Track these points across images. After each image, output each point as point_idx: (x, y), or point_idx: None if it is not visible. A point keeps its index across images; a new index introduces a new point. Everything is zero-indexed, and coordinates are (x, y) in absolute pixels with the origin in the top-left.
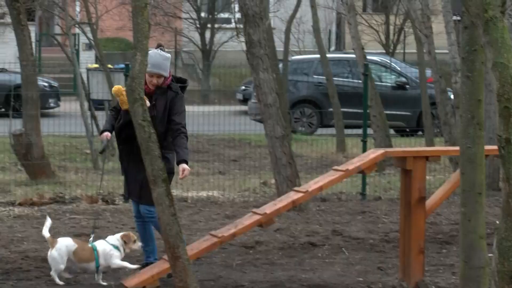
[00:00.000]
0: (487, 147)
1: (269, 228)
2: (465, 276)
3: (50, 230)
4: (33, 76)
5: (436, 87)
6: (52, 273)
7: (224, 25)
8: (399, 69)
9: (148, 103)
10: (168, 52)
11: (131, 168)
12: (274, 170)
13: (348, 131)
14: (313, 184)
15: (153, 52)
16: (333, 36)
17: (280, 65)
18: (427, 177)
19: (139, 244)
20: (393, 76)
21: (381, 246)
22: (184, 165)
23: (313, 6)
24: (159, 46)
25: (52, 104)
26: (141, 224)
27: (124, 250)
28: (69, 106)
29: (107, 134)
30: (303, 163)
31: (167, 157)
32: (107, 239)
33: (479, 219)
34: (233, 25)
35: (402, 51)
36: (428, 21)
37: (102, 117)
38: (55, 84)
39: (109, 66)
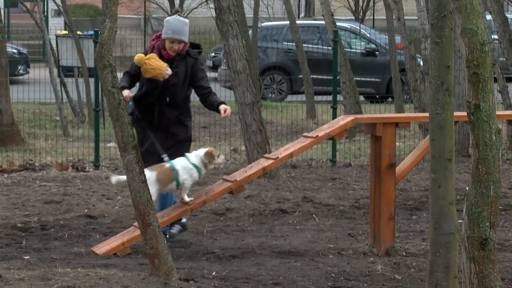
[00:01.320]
0: (456, 113)
1: (240, 195)
2: (435, 242)
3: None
4: (1, 43)
5: (405, 54)
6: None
7: None
8: (368, 35)
9: (170, 71)
10: (137, 19)
11: (157, 132)
12: (244, 137)
13: (318, 98)
14: (283, 151)
15: (171, 18)
16: (303, 3)
17: (250, 32)
18: (397, 144)
19: (222, 157)
20: (362, 43)
21: (351, 213)
22: (224, 105)
23: None
24: (176, 12)
25: (21, 71)
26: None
27: (206, 167)
28: (38, 73)
29: (128, 93)
30: (273, 130)
31: (187, 125)
32: (188, 156)
33: (449, 185)
34: None
35: (371, 17)
36: None
37: (71, 84)
38: (24, 50)
39: (78, 32)
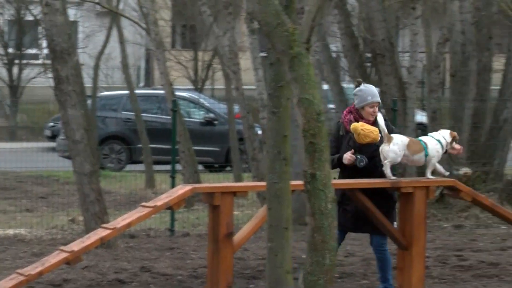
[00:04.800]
0: (293, 182)
1: (77, 266)
2: None
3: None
4: None
5: (244, 123)
6: (386, 162)
7: (32, 61)
8: (207, 105)
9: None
10: None
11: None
12: (82, 207)
13: (157, 167)
14: (121, 221)
15: (363, 87)
16: (142, 72)
17: (89, 101)
18: (235, 213)
19: (458, 146)
20: (201, 112)
21: (189, 282)
22: None
23: (122, 42)
24: (360, 82)
25: None
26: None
27: (447, 147)
28: None
29: (351, 152)
30: (111, 200)
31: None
32: (431, 134)
33: (286, 253)
34: (41, 61)
35: (210, 87)
36: (235, 57)
37: None
38: None
39: None
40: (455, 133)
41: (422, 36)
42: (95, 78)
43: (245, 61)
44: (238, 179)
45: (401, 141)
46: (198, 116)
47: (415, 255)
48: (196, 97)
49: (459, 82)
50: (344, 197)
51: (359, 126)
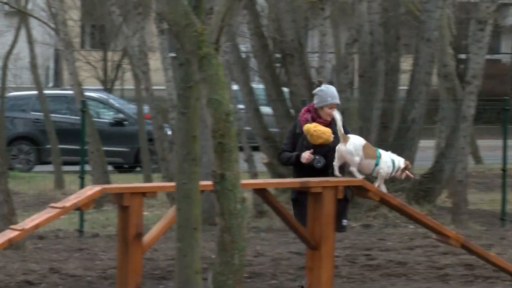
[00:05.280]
0: (203, 182)
1: None
2: None
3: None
4: None
5: (153, 123)
6: (352, 168)
7: None
8: (117, 105)
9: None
10: None
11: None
12: None
13: (66, 168)
14: (29, 222)
15: (324, 87)
16: (51, 72)
17: None
18: (145, 213)
19: (411, 175)
20: (111, 113)
21: (98, 283)
22: None
23: (31, 42)
24: (321, 82)
25: None
26: None
27: (396, 172)
28: None
29: (309, 152)
30: (20, 201)
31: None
32: (390, 153)
33: (195, 254)
34: None
35: (120, 87)
36: (145, 57)
37: None
38: None
39: None
40: (408, 162)
41: (331, 36)
42: (3, 79)
43: (155, 62)
44: (148, 179)
45: (358, 141)
46: (107, 116)
47: (324, 255)
48: (106, 97)
49: (368, 83)
50: (301, 195)
51: (312, 127)
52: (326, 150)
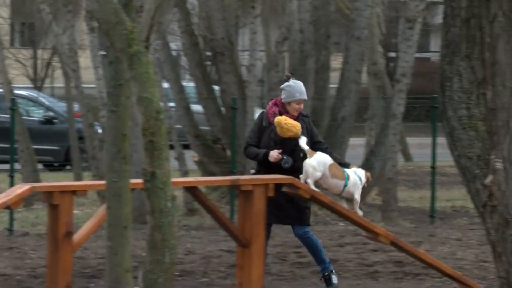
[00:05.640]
0: (133, 180)
1: None
2: None
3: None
4: None
5: (84, 122)
6: (308, 180)
7: None
8: (47, 103)
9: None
10: None
11: (277, 194)
12: None
13: None
14: None
15: (292, 83)
16: None
17: None
18: (75, 212)
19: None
20: (41, 111)
21: (28, 282)
22: None
23: None
24: (289, 77)
25: None
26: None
27: (363, 186)
28: None
29: (278, 151)
30: None
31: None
32: (354, 169)
33: (125, 252)
34: None
35: (50, 85)
36: (75, 55)
37: None
38: None
39: None
40: (368, 174)
41: (261, 35)
42: None
43: (85, 60)
44: (78, 178)
45: (323, 158)
46: (37, 114)
47: (255, 253)
48: (36, 95)
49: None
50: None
51: (283, 120)
52: (294, 144)
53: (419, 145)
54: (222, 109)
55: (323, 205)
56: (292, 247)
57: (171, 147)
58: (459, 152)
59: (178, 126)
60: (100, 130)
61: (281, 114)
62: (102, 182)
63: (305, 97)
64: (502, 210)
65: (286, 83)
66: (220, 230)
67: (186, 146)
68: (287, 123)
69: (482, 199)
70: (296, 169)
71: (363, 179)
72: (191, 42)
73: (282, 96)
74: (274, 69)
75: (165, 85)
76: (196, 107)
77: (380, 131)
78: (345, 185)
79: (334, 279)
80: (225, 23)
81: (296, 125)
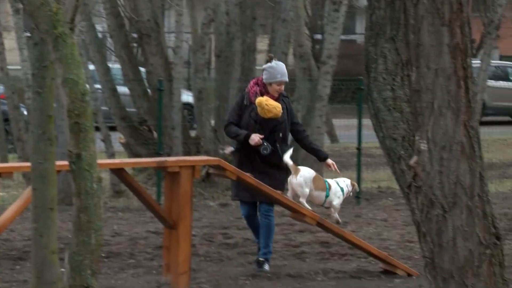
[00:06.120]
0: (59, 162)
1: None
2: None
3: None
4: None
5: (9, 103)
6: (302, 200)
7: None
8: None
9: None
10: None
11: (255, 173)
12: None
13: None
14: None
15: (274, 64)
16: None
17: None
18: (1, 194)
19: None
20: None
21: None
22: (331, 160)
23: None
24: (271, 58)
25: None
26: (253, 221)
27: (347, 195)
28: None
29: (260, 136)
30: None
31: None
32: (337, 180)
33: (51, 234)
34: None
35: None
36: (0, 37)
37: None
38: None
39: None
40: (354, 183)
41: (187, 16)
42: None
43: (10, 41)
44: (4, 160)
45: (308, 173)
46: None
47: (181, 234)
48: None
49: (224, 62)
50: (243, 168)
51: (264, 101)
52: (274, 124)
53: (345, 126)
54: (149, 91)
55: (249, 186)
56: (219, 228)
57: (97, 129)
58: (384, 133)
59: (104, 108)
60: (25, 112)
61: (262, 94)
62: (28, 164)
63: (287, 79)
64: (426, 191)
65: (269, 64)
66: (147, 211)
67: (112, 128)
68: (268, 104)
69: (407, 180)
70: (274, 152)
71: (349, 188)
72: (117, 24)
73: (264, 77)
74: (200, 51)
75: (91, 67)
76: (123, 89)
77: (306, 112)
78: (327, 196)
79: (267, 267)
80: (151, 4)
81: (277, 106)
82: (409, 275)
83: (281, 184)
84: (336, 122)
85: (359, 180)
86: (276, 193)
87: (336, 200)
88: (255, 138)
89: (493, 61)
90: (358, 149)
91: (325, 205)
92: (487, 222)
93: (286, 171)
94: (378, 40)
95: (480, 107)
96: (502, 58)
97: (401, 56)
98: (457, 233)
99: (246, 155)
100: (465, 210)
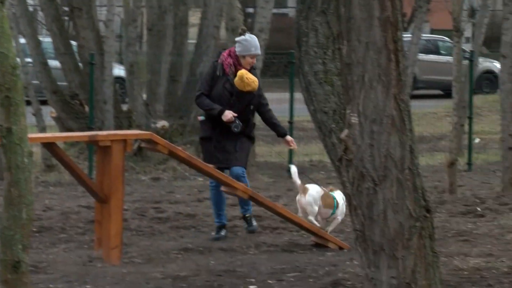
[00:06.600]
0: None
1: None
2: None
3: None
4: None
5: None
6: (310, 217)
7: None
8: None
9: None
10: None
11: (224, 138)
12: None
13: None
14: None
15: (248, 37)
16: None
17: None
18: None
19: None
20: None
21: None
22: (290, 137)
23: None
24: (244, 30)
25: None
26: (216, 192)
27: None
28: None
29: (233, 114)
30: None
31: (252, 136)
32: (338, 192)
33: None
34: None
35: None
36: None
37: None
38: None
39: None
40: None
41: None
42: None
43: None
44: None
45: (316, 192)
46: None
47: (113, 208)
48: None
49: (156, 36)
50: (213, 134)
51: (244, 74)
52: (251, 97)
53: (277, 100)
54: (80, 64)
55: (181, 160)
56: (150, 202)
57: (28, 103)
58: (315, 107)
59: (35, 81)
60: None
61: (235, 66)
62: None
63: (259, 52)
64: (357, 164)
65: (242, 37)
66: (79, 186)
67: (43, 102)
68: (248, 78)
69: (338, 153)
70: (247, 120)
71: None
72: None
73: (237, 49)
74: (132, 25)
75: (22, 40)
76: (54, 63)
77: None
78: (333, 213)
79: (254, 222)
80: None
81: (255, 81)
82: (340, 248)
83: (247, 150)
84: (268, 95)
85: (291, 153)
86: (208, 167)
87: (341, 216)
88: (228, 115)
89: (424, 35)
90: (290, 122)
91: (328, 219)
92: (417, 195)
93: (253, 141)
94: (309, 14)
95: (411, 80)
96: (433, 31)
97: (332, 29)
98: (387, 206)
99: (213, 126)
100: (396, 183)
